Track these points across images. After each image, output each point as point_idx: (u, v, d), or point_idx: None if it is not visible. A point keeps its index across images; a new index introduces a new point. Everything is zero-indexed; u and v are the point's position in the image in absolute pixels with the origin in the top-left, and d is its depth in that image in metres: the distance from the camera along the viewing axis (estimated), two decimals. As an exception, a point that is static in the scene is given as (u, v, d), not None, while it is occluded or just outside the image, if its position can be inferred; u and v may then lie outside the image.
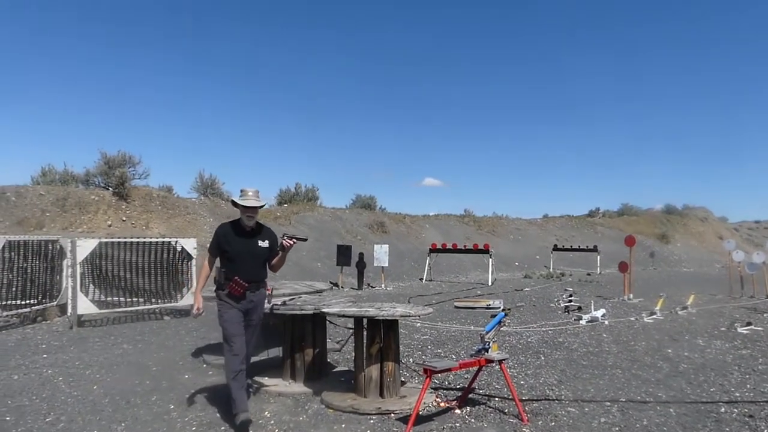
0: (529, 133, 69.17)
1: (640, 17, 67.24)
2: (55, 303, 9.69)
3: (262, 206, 4.54)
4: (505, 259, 23.80)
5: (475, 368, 4.74)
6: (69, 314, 9.28)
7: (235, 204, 4.53)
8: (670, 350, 7.10)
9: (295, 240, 4.48)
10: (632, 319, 9.71)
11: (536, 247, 27.20)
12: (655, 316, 9.82)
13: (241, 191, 4.49)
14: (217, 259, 4.54)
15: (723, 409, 4.64)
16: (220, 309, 4.37)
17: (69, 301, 9.38)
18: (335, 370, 6.00)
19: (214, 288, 4.48)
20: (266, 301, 4.71)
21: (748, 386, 5.38)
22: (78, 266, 9.01)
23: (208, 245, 4.59)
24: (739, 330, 8.51)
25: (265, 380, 5.38)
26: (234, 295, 4.33)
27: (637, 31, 67.82)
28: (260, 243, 4.47)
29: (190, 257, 10.28)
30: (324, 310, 5.01)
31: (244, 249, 4.41)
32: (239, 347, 4.33)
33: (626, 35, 67.95)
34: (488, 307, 11.05)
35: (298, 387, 5.20)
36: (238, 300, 4.35)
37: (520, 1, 68.12)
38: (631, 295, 12.82)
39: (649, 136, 70.99)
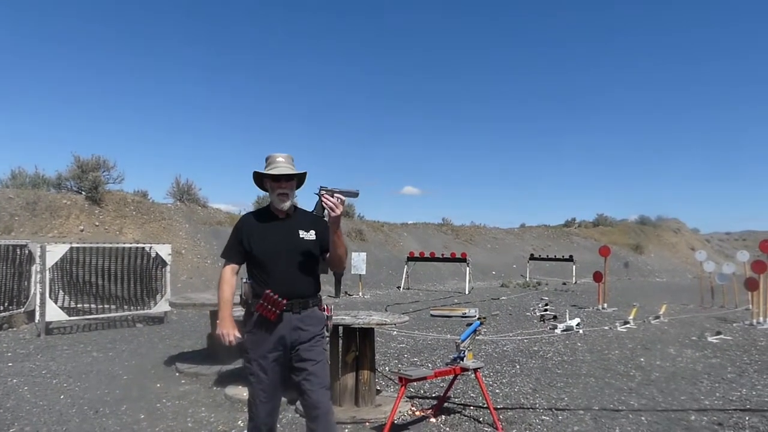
0: (506, 143, 69.86)
1: (599, 33, 68.70)
2: (23, 310, 9.42)
3: (301, 176, 3.03)
4: (482, 268, 23.94)
5: (451, 377, 4.74)
6: (37, 321, 9.04)
7: (259, 181, 3.04)
8: (642, 359, 7.20)
9: (341, 196, 2.79)
10: (606, 328, 9.83)
11: (513, 256, 27.42)
12: (628, 326, 9.96)
13: (267, 159, 3.00)
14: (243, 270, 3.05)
15: (693, 417, 4.72)
16: (247, 347, 2.90)
17: (37, 308, 9.14)
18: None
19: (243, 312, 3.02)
20: (324, 329, 3.00)
21: (717, 394, 5.48)
22: (47, 272, 8.79)
23: (224, 247, 3.05)
24: (709, 339, 8.68)
25: (239, 389, 5.30)
26: (267, 320, 2.81)
27: (607, 45, 69.25)
28: (302, 234, 2.92)
29: (164, 263, 10.11)
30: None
31: (277, 245, 2.89)
32: (264, 414, 2.86)
33: (598, 49, 69.31)
34: (464, 316, 11.09)
35: (272, 396, 5.13)
36: (272, 328, 2.82)
37: (495, 15, 69.06)
38: (606, 305, 12.99)
39: (625, 148, 72.33)
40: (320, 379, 2.87)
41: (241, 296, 2.95)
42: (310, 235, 2.96)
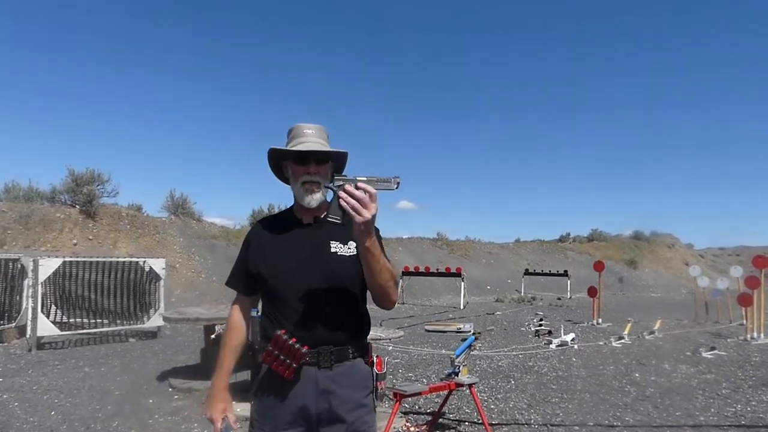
0: (501, 157, 70.27)
1: (594, 47, 69.63)
2: (14, 324, 9.34)
3: (340, 159, 1.98)
4: (477, 283, 23.92)
5: (446, 392, 4.72)
6: (28, 336, 8.94)
7: (278, 167, 2.03)
8: (637, 374, 7.19)
9: (369, 188, 1.64)
10: (601, 343, 9.82)
11: (508, 271, 27.43)
12: (623, 341, 9.95)
13: (291, 132, 1.97)
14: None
15: (688, 433, 4.71)
16: (252, 417, 1.97)
17: (29, 323, 9.06)
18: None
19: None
20: (371, 395, 1.93)
21: (712, 410, 5.47)
22: (39, 286, 8.73)
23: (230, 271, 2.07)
24: (704, 355, 8.68)
25: (233, 404, 5.26)
26: (279, 378, 1.84)
27: (603, 59, 70.11)
28: (335, 246, 1.90)
29: (158, 278, 10.07)
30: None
31: (295, 262, 1.90)
32: None
33: (594, 63, 70.17)
34: (459, 331, 11.05)
35: (265, 412, 5.09)
36: (287, 391, 1.85)
37: (491, 29, 69.89)
38: (600, 320, 12.99)
39: (619, 163, 72.95)
40: None
41: (247, 340, 2.00)
42: (349, 250, 1.91)
